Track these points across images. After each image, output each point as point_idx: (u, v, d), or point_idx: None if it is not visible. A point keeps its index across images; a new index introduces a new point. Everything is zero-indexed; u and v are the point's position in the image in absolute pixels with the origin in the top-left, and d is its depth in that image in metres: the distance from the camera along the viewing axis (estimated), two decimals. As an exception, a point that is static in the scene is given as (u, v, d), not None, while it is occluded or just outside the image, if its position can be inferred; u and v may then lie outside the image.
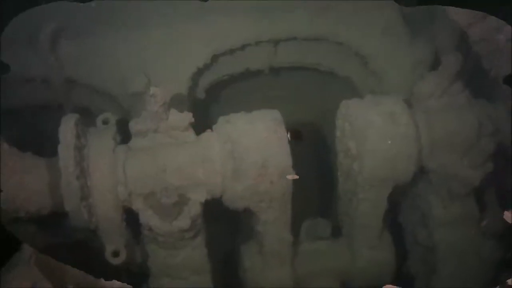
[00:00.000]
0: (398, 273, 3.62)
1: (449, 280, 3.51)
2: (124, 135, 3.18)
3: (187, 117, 3.09)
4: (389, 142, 3.09)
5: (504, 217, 3.64)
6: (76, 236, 3.52)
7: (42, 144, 3.20)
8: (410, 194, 3.64)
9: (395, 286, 3.04)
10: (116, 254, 3.09)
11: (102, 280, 2.82)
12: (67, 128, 2.95)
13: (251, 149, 2.99)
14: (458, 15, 3.26)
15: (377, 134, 3.09)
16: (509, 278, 2.68)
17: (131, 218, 3.10)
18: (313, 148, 4.32)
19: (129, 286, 2.71)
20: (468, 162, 3.25)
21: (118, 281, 3.97)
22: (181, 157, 3.03)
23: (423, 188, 3.50)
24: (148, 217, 3.00)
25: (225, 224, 3.90)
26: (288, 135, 3.02)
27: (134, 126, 3.10)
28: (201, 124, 3.18)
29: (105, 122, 3.24)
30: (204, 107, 3.87)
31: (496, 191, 3.70)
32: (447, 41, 3.72)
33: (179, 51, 3.62)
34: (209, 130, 3.13)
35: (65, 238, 3.62)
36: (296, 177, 3.02)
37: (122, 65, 3.62)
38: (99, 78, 3.69)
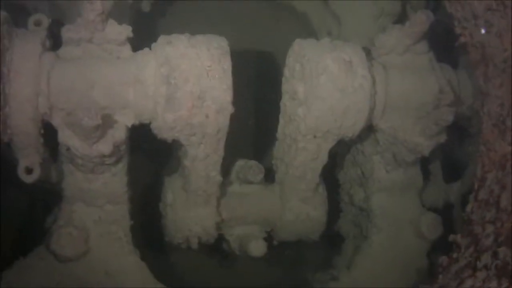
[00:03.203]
0: (327, 232, 3.43)
1: (380, 248, 3.31)
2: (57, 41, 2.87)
3: (126, 30, 2.79)
4: (342, 92, 2.83)
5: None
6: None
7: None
8: (353, 149, 3.44)
9: None
10: (29, 171, 2.82)
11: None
12: None
13: (189, 77, 2.70)
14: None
15: (329, 82, 2.82)
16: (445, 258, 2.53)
17: (50, 134, 2.81)
18: (257, 84, 4.05)
19: None
20: (421, 129, 3.02)
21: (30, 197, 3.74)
22: (111, 73, 2.75)
23: (368, 147, 3.29)
24: (67, 137, 2.73)
25: (150, 154, 3.66)
26: None
27: (66, 32, 2.79)
28: (142, 41, 2.88)
29: (38, 24, 2.91)
30: (147, 22, 3.57)
31: (443, 163, 3.55)
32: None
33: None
34: (146, 49, 2.84)
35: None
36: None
37: None
38: None
